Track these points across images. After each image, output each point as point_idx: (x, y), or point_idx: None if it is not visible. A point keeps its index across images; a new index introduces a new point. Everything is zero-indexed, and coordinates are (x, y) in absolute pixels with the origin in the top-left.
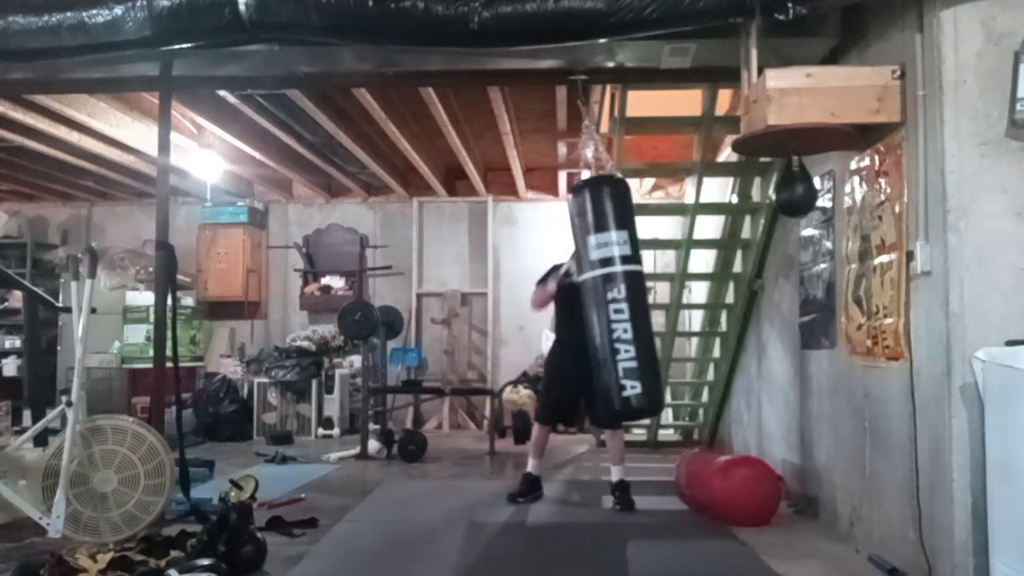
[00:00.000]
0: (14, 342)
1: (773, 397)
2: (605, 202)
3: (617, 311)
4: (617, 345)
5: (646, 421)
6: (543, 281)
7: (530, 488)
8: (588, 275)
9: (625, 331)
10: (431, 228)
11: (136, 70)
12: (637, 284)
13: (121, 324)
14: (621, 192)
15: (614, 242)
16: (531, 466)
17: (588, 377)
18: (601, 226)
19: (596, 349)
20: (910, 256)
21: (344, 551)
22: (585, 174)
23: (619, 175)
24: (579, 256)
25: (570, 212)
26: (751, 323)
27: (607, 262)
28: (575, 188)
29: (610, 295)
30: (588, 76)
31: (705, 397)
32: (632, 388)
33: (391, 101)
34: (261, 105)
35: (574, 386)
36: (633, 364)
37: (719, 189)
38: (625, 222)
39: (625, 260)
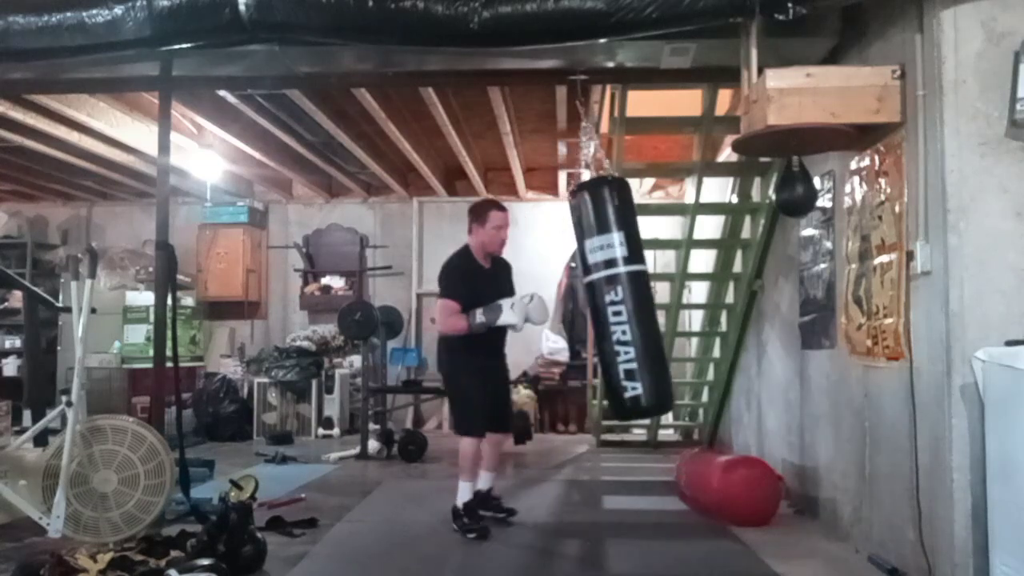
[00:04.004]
0: (14, 342)
1: (773, 397)
2: (602, 204)
3: (616, 313)
4: (617, 347)
5: (646, 421)
6: (451, 297)
7: (476, 518)
8: (590, 278)
9: (624, 333)
10: (431, 228)
11: (136, 70)
12: (638, 284)
13: (121, 324)
14: (618, 192)
15: (615, 244)
16: (466, 491)
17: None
18: (601, 228)
19: (602, 352)
20: (910, 256)
21: (344, 551)
22: (585, 175)
23: (615, 174)
24: (582, 259)
25: (571, 216)
26: (751, 323)
27: (607, 264)
28: (572, 192)
29: (609, 297)
30: (588, 76)
31: (705, 397)
32: (633, 389)
33: (391, 101)
34: (261, 105)
35: (501, 395)
36: (633, 365)
37: (719, 189)
38: (624, 222)
39: (626, 261)
